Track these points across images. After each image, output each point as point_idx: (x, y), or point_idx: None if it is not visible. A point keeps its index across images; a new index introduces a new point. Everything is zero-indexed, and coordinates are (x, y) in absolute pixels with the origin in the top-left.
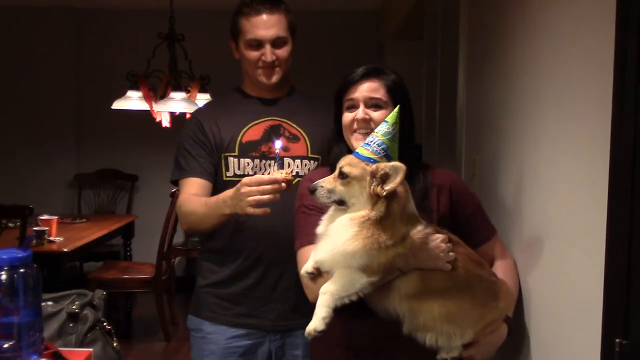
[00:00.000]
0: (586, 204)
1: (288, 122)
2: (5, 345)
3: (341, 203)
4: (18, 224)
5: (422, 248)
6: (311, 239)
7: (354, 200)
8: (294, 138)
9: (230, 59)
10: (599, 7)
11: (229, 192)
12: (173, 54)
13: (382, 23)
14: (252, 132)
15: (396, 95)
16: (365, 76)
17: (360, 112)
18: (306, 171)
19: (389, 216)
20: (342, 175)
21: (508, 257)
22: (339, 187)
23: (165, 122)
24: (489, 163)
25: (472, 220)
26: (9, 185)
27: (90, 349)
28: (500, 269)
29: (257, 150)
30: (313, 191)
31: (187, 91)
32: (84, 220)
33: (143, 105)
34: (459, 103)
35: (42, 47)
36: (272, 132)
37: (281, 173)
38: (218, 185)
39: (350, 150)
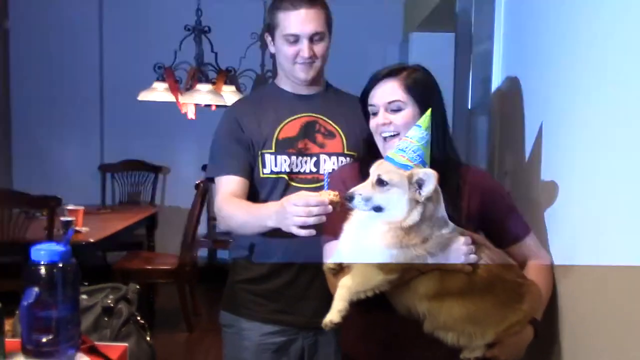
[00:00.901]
0: (637, 205)
1: (324, 118)
2: (44, 340)
3: (379, 210)
4: (45, 214)
5: (441, 250)
6: (336, 234)
7: (390, 207)
8: (329, 134)
9: (255, 52)
10: None
11: (274, 206)
12: (199, 45)
13: (408, 15)
14: (288, 128)
15: (417, 92)
16: (382, 78)
17: (380, 118)
18: None
19: (420, 221)
20: (382, 183)
21: (542, 258)
22: (378, 195)
23: (191, 114)
24: (523, 162)
25: (504, 220)
26: (33, 174)
27: (126, 344)
28: (533, 270)
29: (294, 147)
30: (351, 199)
31: (213, 83)
32: (109, 210)
33: (169, 97)
34: (492, 99)
35: (67, 36)
36: (307, 129)
37: (329, 194)
38: (255, 182)
39: (379, 152)
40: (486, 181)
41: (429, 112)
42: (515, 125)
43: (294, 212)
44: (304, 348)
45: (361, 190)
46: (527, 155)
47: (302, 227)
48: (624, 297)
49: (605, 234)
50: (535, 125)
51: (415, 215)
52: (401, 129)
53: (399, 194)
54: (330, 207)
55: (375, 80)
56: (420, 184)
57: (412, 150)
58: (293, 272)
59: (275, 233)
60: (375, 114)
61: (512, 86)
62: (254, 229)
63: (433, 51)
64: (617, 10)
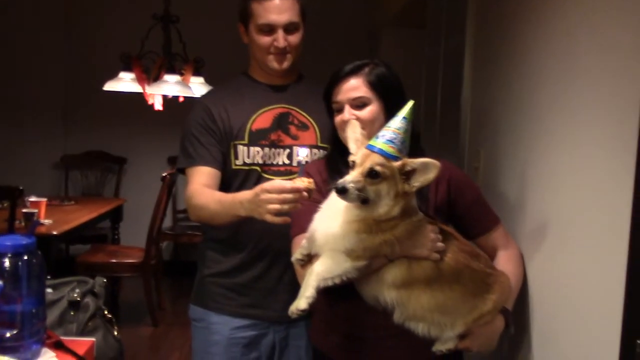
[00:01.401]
0: (605, 195)
1: (297, 109)
2: (8, 334)
3: (365, 202)
4: (6, 205)
5: (409, 236)
6: (305, 227)
7: (378, 199)
8: (303, 126)
9: (225, 42)
10: None
11: (247, 195)
12: (167, 35)
13: (377, 10)
14: (262, 119)
15: (380, 87)
16: (345, 75)
17: (346, 114)
18: (315, 160)
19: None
20: (374, 175)
21: (512, 248)
22: (369, 187)
23: (158, 105)
24: (494, 156)
25: (472, 211)
26: None
27: (93, 339)
28: (502, 260)
29: (267, 139)
30: (343, 191)
31: (181, 74)
32: (73, 202)
33: (136, 87)
34: (463, 94)
35: (31, 24)
36: (280, 121)
37: (303, 181)
38: (227, 173)
39: (346, 147)
40: (453, 172)
41: (411, 103)
42: (486, 120)
43: (268, 199)
44: (275, 342)
45: (354, 181)
46: (497, 149)
47: (277, 214)
48: (591, 287)
49: (572, 226)
50: (506, 119)
51: (396, 210)
52: (367, 124)
53: (389, 187)
54: (305, 194)
55: (338, 77)
56: (409, 174)
57: (400, 142)
58: (264, 266)
59: (246, 227)
60: (339, 110)
61: (483, 80)
62: (225, 219)
63: (404, 46)
64: None
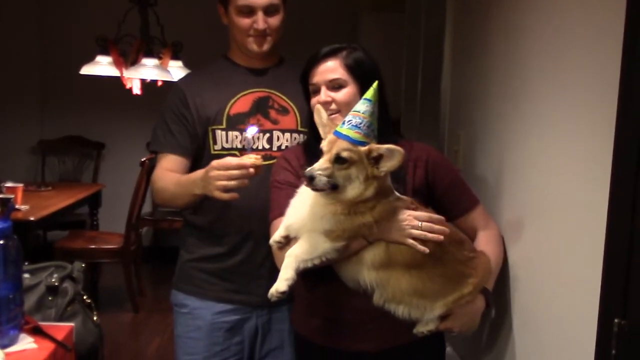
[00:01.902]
0: (583, 178)
1: (277, 93)
2: None
3: (335, 187)
4: None
5: (387, 217)
6: (283, 211)
7: (347, 184)
8: (283, 110)
9: (203, 25)
10: None
11: (199, 173)
12: (145, 18)
13: None
14: (240, 103)
15: (357, 71)
16: (324, 57)
17: (322, 95)
18: (295, 145)
19: (377, 194)
20: (341, 161)
21: (491, 228)
22: (337, 173)
23: (136, 89)
24: (474, 139)
25: (451, 192)
26: None
27: (72, 324)
28: (483, 240)
29: (246, 123)
30: (311, 179)
31: (159, 58)
32: (50, 188)
33: (113, 71)
34: (443, 78)
35: (5, 6)
36: (260, 105)
37: (250, 158)
38: (206, 158)
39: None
40: (430, 153)
41: (375, 84)
42: (466, 103)
43: (216, 176)
44: (257, 326)
45: (321, 169)
46: (477, 132)
47: (226, 191)
48: (569, 268)
49: (550, 207)
50: (485, 102)
51: (370, 191)
52: (343, 106)
53: (357, 171)
54: (252, 170)
55: (315, 59)
56: (378, 159)
57: (367, 126)
58: (246, 252)
59: (226, 213)
60: (315, 92)
61: (463, 64)
62: (184, 199)
63: (384, 30)
64: None
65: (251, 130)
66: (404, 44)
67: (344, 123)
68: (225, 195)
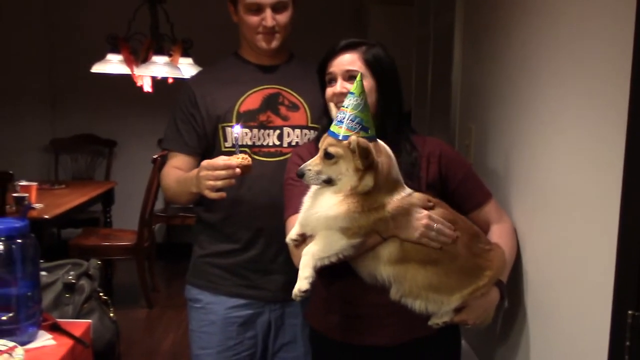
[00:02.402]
0: (595, 170)
1: (287, 90)
2: (4, 318)
3: (329, 182)
4: None
5: (403, 215)
6: (297, 208)
7: (340, 177)
8: (293, 107)
9: (213, 22)
10: None
11: (194, 172)
12: (155, 16)
13: None
14: (250, 100)
15: (376, 66)
16: (343, 49)
17: (338, 86)
18: (306, 141)
19: (376, 186)
20: (329, 156)
21: (504, 222)
22: (326, 168)
23: (147, 87)
24: (485, 133)
25: (464, 186)
26: None
27: (89, 320)
28: (496, 234)
29: (256, 120)
30: (301, 175)
31: (169, 55)
32: (63, 186)
33: (124, 69)
34: (453, 71)
35: (15, 6)
36: (270, 101)
37: (237, 158)
38: (216, 155)
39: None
40: (442, 148)
41: (358, 76)
42: (476, 97)
43: (204, 176)
44: (270, 320)
45: (310, 165)
46: (488, 125)
47: (217, 190)
48: (582, 260)
49: (563, 198)
50: (496, 95)
51: (368, 181)
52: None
53: (345, 164)
54: (238, 170)
55: (334, 51)
56: (361, 152)
57: (350, 120)
58: (258, 249)
59: (236, 210)
60: (331, 82)
61: (473, 58)
62: (184, 197)
63: (393, 24)
64: None
65: (236, 129)
66: (413, 38)
67: (334, 120)
68: (214, 195)
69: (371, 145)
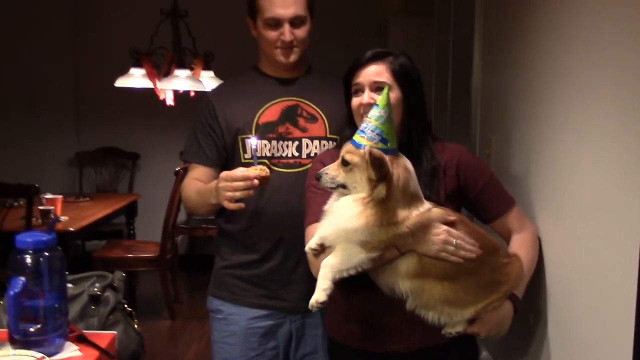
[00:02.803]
0: (618, 178)
1: (306, 101)
2: (32, 329)
3: (344, 187)
4: (22, 202)
5: (422, 230)
6: (318, 216)
7: (355, 185)
8: (311, 118)
9: (234, 35)
10: None
11: (214, 183)
12: (176, 30)
13: None
14: (269, 112)
15: (402, 77)
16: (370, 60)
17: (365, 97)
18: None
19: (390, 197)
20: (345, 163)
21: (527, 230)
22: (342, 174)
23: (170, 100)
24: (506, 142)
25: (485, 195)
26: (8, 163)
27: (114, 332)
28: (516, 243)
29: (275, 132)
30: (318, 178)
31: (191, 68)
32: (87, 199)
33: (147, 83)
34: (473, 81)
35: (40, 23)
36: (289, 113)
37: (255, 169)
38: (237, 167)
39: None
40: (462, 157)
41: (386, 89)
42: (497, 106)
43: (223, 187)
44: (291, 331)
45: (328, 169)
46: (508, 135)
47: (235, 201)
48: (606, 269)
49: (587, 208)
50: (516, 105)
51: (380, 191)
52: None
53: (360, 173)
54: (256, 181)
55: (361, 61)
56: (375, 163)
57: (371, 130)
58: (278, 259)
59: (257, 221)
60: (358, 92)
61: (493, 67)
62: (204, 208)
63: (413, 34)
64: None
65: (253, 141)
66: (433, 48)
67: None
68: (233, 205)
69: (387, 157)
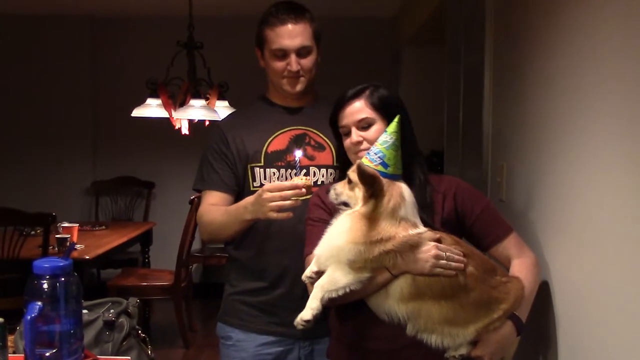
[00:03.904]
0: (629, 207)
1: (314, 130)
2: (47, 354)
3: (346, 205)
4: (39, 231)
5: (410, 249)
6: (315, 247)
7: (354, 202)
8: (319, 147)
9: (248, 66)
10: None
11: (250, 199)
12: (192, 61)
13: (398, 29)
14: (277, 141)
15: (382, 108)
16: (349, 99)
17: (354, 136)
18: (331, 180)
19: (376, 214)
20: (349, 181)
21: (526, 256)
22: (346, 191)
23: (185, 130)
24: (517, 170)
25: (482, 221)
26: (25, 192)
27: (128, 357)
28: (516, 268)
29: (283, 160)
30: (327, 192)
31: (206, 99)
32: (103, 227)
33: (162, 113)
34: (484, 109)
35: (59, 54)
36: (296, 142)
37: (301, 179)
38: (245, 195)
39: None
40: (459, 185)
41: (396, 118)
42: (508, 134)
43: (270, 198)
44: (300, 358)
45: (337, 185)
46: (519, 163)
47: (280, 211)
48: (616, 296)
49: (596, 236)
50: (527, 133)
51: (369, 206)
52: (373, 144)
53: (358, 190)
54: (303, 190)
55: (341, 102)
56: (365, 182)
57: (374, 152)
58: (285, 286)
59: (265, 249)
60: (347, 134)
61: (503, 95)
62: (233, 228)
63: (425, 63)
64: (611, 14)
65: (298, 153)
66: (445, 77)
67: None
68: (282, 215)
69: (381, 178)
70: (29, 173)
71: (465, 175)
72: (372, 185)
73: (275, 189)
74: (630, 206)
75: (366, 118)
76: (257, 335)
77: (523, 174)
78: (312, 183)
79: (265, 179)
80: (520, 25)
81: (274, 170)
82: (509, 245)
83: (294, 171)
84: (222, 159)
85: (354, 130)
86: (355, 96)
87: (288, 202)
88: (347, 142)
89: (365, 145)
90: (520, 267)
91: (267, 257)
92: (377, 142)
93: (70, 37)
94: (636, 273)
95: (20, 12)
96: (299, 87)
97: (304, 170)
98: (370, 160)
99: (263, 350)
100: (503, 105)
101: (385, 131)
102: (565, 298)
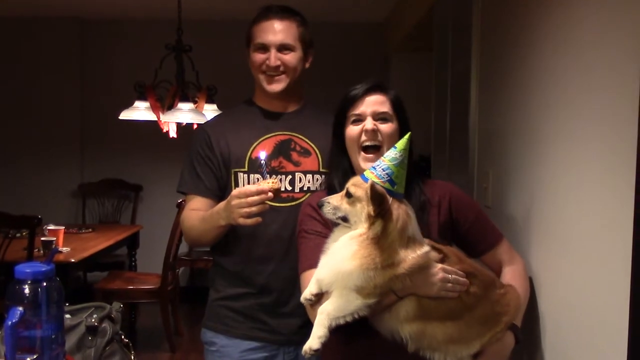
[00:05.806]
0: (609, 212)
1: (299, 136)
2: (28, 359)
3: (345, 220)
4: (25, 233)
5: (419, 272)
6: (311, 263)
7: (355, 219)
8: (305, 152)
9: (237, 70)
10: (621, 15)
11: (222, 205)
12: (180, 64)
13: (388, 35)
14: (262, 147)
15: (400, 110)
16: (371, 90)
17: (368, 124)
18: (317, 186)
19: (386, 237)
20: (348, 195)
21: (517, 263)
22: (344, 206)
23: (173, 133)
24: (503, 176)
25: (476, 228)
26: (13, 194)
27: None
28: (508, 275)
29: (267, 166)
30: (321, 206)
31: (195, 102)
32: (90, 230)
33: (150, 116)
34: (471, 115)
35: (48, 56)
36: (281, 148)
37: (267, 183)
38: None
39: (352, 168)
40: (452, 191)
41: (408, 135)
42: (494, 141)
43: (237, 204)
44: None
45: (331, 199)
46: (505, 169)
47: (249, 217)
48: (601, 304)
49: (579, 241)
50: (513, 140)
51: (377, 228)
52: (385, 140)
53: (361, 207)
54: (270, 194)
55: (361, 91)
56: (376, 200)
57: (382, 169)
58: (270, 291)
59: (252, 262)
60: (357, 122)
61: (489, 103)
62: (211, 233)
63: (414, 70)
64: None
65: (262, 155)
66: (433, 84)
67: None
68: (249, 221)
69: (389, 197)
70: (16, 175)
71: (452, 181)
72: (380, 205)
73: (242, 195)
74: (611, 211)
75: (387, 112)
76: (242, 341)
77: (509, 180)
78: (280, 185)
79: (249, 184)
80: (506, 33)
81: (258, 175)
82: (501, 252)
83: (260, 175)
84: (206, 163)
85: (369, 119)
86: (379, 89)
87: (254, 208)
88: (355, 130)
89: (379, 137)
90: (514, 275)
91: (252, 263)
92: (385, 158)
93: (58, 39)
94: (616, 275)
95: (7, 15)
96: (278, 86)
97: (274, 176)
98: (377, 176)
99: (247, 356)
100: (489, 112)
101: (395, 147)
102: (548, 299)
